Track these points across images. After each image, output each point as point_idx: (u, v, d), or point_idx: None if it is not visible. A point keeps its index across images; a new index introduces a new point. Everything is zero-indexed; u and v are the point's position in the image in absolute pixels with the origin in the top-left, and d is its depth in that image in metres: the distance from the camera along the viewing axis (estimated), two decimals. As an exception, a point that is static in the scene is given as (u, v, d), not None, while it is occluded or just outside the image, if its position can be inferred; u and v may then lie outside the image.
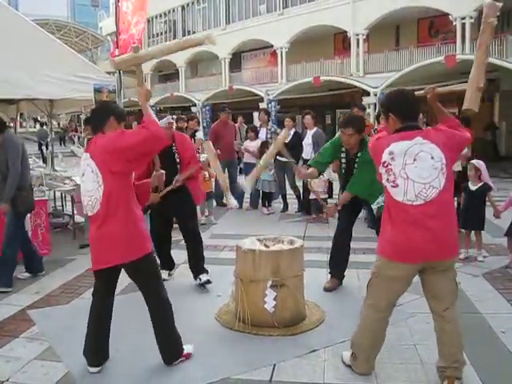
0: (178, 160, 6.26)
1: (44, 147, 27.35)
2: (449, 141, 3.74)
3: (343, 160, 6.13)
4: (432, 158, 3.67)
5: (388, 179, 3.75)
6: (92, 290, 4.38)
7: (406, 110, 3.82)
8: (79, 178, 4.24)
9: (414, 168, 3.66)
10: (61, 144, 36.96)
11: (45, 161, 16.79)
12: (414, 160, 3.66)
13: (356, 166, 5.97)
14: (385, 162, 3.74)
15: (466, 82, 3.81)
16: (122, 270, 4.25)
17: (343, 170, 6.19)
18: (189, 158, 6.31)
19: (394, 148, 3.72)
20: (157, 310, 4.26)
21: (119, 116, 4.26)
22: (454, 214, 3.96)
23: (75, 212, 9.05)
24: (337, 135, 6.40)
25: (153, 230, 6.38)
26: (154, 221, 6.59)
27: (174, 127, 6.45)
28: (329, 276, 6.28)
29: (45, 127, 28.60)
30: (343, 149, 6.05)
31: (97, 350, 4.25)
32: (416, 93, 4.04)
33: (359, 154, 5.91)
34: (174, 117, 7.09)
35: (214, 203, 11.24)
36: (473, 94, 3.72)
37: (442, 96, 4.06)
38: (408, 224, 3.71)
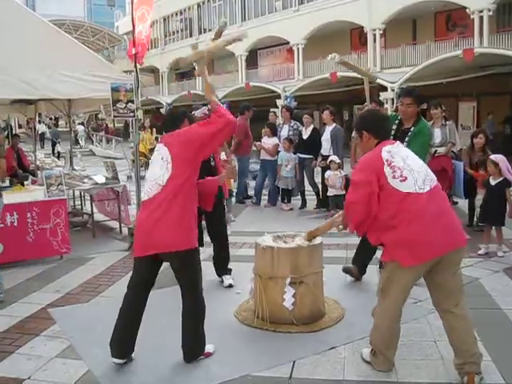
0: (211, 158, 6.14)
1: (57, 145, 29.51)
2: None
3: (392, 132, 5.73)
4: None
5: (395, 176, 3.81)
6: (128, 281, 4.36)
7: (382, 129, 4.16)
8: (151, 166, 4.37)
9: (411, 161, 3.93)
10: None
11: (58, 158, 17.86)
12: (406, 156, 3.95)
13: (407, 139, 5.67)
14: (387, 160, 3.86)
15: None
16: None
17: None
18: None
19: (389, 148, 3.96)
20: (191, 305, 4.25)
21: (190, 118, 4.71)
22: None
23: (94, 211, 9.18)
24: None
25: None
26: None
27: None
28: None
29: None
30: (396, 122, 5.90)
31: (123, 342, 4.25)
32: None
33: (412, 128, 5.74)
34: (209, 107, 6.98)
35: (234, 201, 11.26)
36: None
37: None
38: (423, 214, 3.73)
